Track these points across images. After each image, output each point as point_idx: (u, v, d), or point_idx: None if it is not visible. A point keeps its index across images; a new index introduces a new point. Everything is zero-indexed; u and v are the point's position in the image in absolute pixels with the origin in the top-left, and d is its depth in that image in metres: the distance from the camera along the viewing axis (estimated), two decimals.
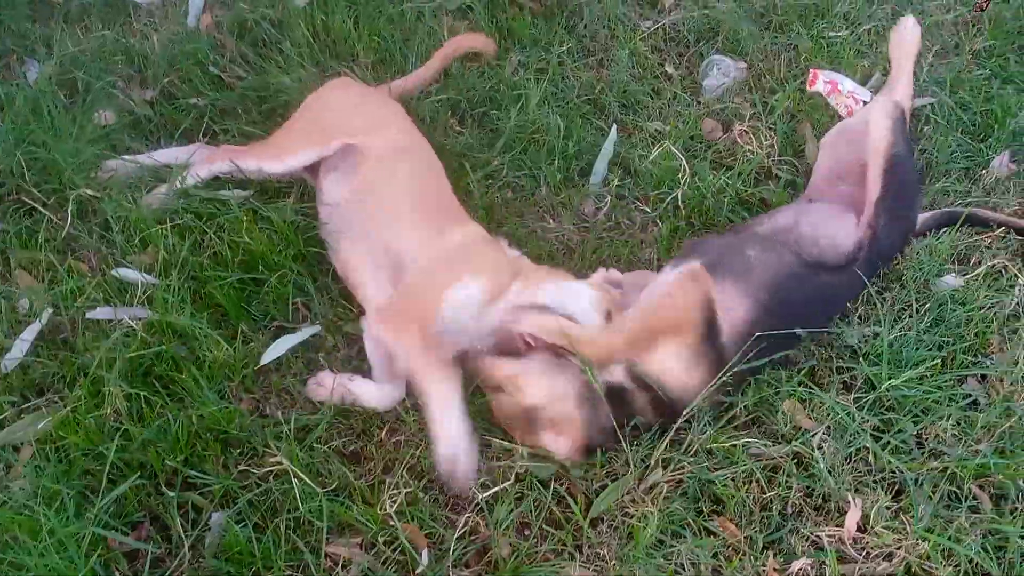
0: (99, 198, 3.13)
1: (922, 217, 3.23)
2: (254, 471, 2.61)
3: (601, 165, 3.49)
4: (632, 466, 2.62)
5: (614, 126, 3.58)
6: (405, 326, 2.74)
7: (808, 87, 3.63)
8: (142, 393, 2.66)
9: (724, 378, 2.64)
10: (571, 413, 2.64)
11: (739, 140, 3.56)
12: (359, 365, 2.90)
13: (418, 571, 2.45)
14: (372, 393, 2.79)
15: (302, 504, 2.50)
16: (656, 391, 2.63)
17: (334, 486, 2.58)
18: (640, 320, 2.72)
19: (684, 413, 2.64)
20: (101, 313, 2.88)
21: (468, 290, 2.77)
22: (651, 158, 3.45)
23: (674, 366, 2.64)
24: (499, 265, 2.88)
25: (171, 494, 2.52)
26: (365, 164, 3.03)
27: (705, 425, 2.67)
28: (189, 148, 3.32)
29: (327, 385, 2.79)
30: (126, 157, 3.28)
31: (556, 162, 3.44)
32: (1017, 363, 2.82)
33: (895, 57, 3.64)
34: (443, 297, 2.75)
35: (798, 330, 2.79)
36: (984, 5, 4.00)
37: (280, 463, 2.56)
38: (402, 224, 2.94)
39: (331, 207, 3.04)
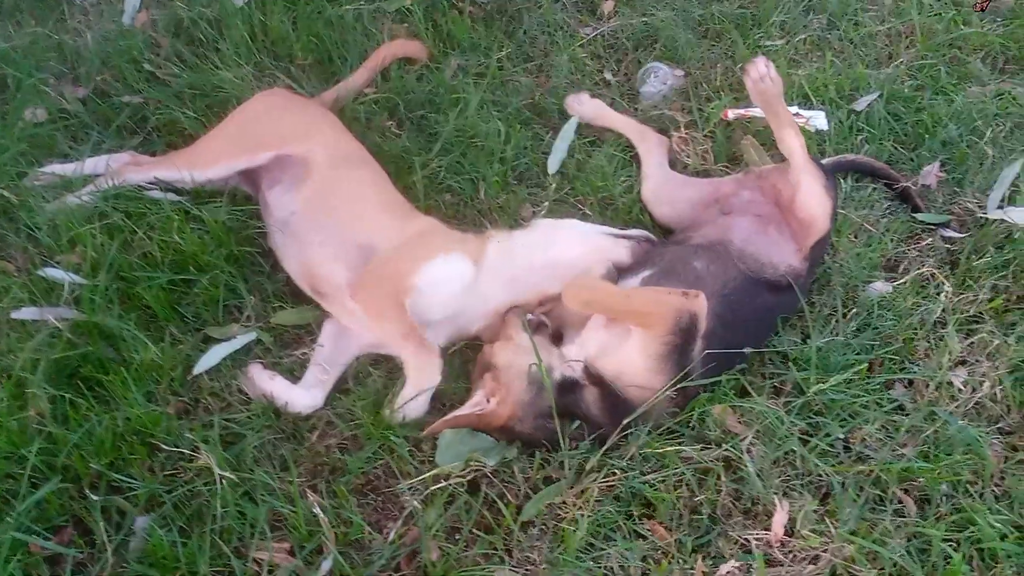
0: (17, 204, 3.09)
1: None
2: (180, 475, 2.58)
3: (562, 145, 3.56)
4: (567, 470, 2.62)
5: (574, 119, 3.63)
6: (379, 296, 2.80)
7: (722, 118, 3.67)
8: (67, 395, 2.62)
9: (678, 387, 2.66)
10: (515, 386, 2.68)
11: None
12: (291, 367, 2.89)
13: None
14: (290, 395, 2.77)
15: (229, 508, 2.47)
16: (609, 389, 2.66)
17: (262, 490, 2.55)
18: (624, 294, 2.81)
19: (630, 417, 2.65)
20: (26, 313, 2.83)
21: (449, 265, 2.89)
22: (590, 164, 3.47)
23: (637, 362, 2.67)
24: (463, 237, 3.01)
25: (95, 498, 2.48)
26: (314, 173, 3.03)
27: (643, 434, 2.68)
28: (114, 156, 3.29)
29: (253, 379, 2.78)
30: (56, 167, 3.24)
31: (495, 166, 3.43)
32: (942, 368, 2.87)
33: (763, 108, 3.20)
34: (418, 270, 2.83)
35: (746, 350, 2.87)
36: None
37: (207, 466, 2.53)
38: (370, 221, 2.97)
39: (285, 217, 3.01)
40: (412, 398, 2.72)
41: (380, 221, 2.97)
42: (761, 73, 3.07)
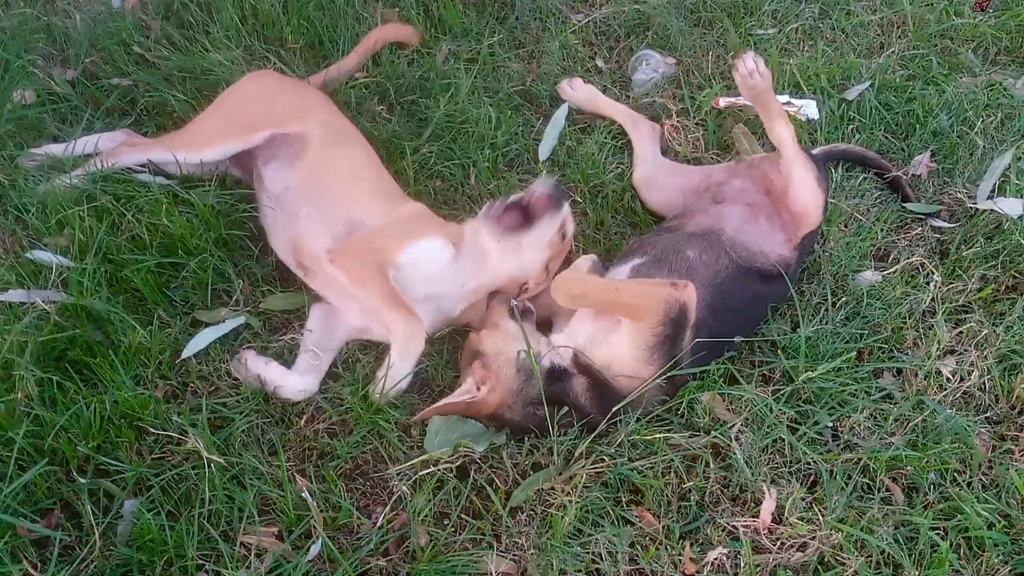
0: (6, 185, 3.07)
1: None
2: (168, 458, 2.56)
3: (553, 131, 3.56)
4: (556, 456, 2.62)
5: (564, 105, 3.63)
6: (362, 265, 2.79)
7: (713, 106, 3.66)
8: (55, 378, 2.60)
9: (666, 376, 2.67)
10: (505, 373, 2.67)
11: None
12: (280, 351, 2.88)
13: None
14: (284, 381, 2.76)
15: (217, 492, 2.46)
16: (598, 378, 2.66)
17: (250, 474, 2.54)
18: (612, 287, 2.79)
19: (617, 406, 2.65)
20: (14, 296, 2.81)
21: (431, 246, 2.90)
22: (580, 151, 3.46)
23: (627, 352, 2.67)
24: (445, 223, 3.03)
25: (82, 481, 2.47)
26: (311, 150, 3.03)
27: (632, 421, 2.68)
28: (107, 135, 3.27)
29: (246, 364, 2.77)
30: (48, 148, 3.22)
31: (486, 152, 3.42)
32: (930, 358, 2.88)
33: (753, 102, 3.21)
34: (402, 248, 2.84)
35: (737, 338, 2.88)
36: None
37: (195, 450, 2.52)
38: (361, 199, 2.98)
39: (279, 192, 3.01)
40: (401, 371, 2.73)
41: (372, 204, 2.97)
42: (750, 68, 3.07)
